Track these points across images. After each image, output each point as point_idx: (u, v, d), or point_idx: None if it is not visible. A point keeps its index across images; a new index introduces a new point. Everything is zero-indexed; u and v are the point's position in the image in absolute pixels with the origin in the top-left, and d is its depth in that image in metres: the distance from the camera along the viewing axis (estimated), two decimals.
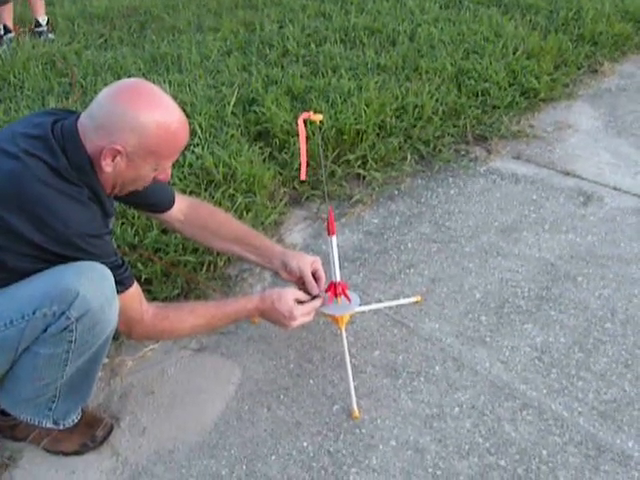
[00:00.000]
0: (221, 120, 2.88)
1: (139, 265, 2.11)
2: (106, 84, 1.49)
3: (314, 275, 1.77)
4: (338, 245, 1.85)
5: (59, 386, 1.48)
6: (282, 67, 3.46)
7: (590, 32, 3.85)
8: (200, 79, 3.32)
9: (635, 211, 2.42)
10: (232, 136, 2.74)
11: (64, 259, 1.32)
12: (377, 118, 2.83)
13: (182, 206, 1.81)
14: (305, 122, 1.69)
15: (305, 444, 1.62)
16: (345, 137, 2.75)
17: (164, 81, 3.29)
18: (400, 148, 2.82)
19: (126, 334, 1.56)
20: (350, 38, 3.86)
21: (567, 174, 2.68)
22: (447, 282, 2.12)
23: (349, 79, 3.17)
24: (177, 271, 2.13)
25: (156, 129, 1.36)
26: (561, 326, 1.91)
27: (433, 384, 1.76)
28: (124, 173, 1.41)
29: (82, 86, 3.40)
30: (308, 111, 1.69)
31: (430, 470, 1.53)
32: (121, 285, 1.42)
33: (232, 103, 2.97)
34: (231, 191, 2.43)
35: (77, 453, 1.63)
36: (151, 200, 1.73)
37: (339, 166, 2.69)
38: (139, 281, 1.54)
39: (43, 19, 4.47)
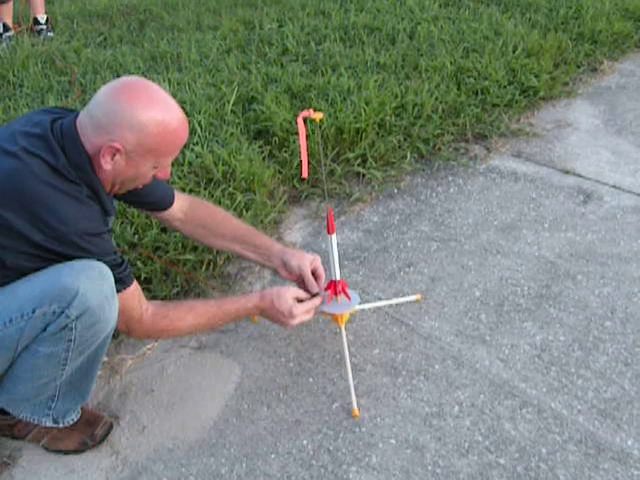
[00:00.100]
0: (221, 118, 2.88)
1: (139, 264, 2.11)
2: (105, 82, 1.49)
3: (314, 273, 1.77)
4: (338, 243, 1.84)
5: (59, 385, 1.48)
6: (282, 65, 3.46)
7: (590, 30, 3.85)
8: (199, 78, 3.32)
9: (635, 209, 2.42)
10: (232, 134, 2.74)
11: (63, 258, 1.32)
12: (377, 116, 2.83)
13: (182, 205, 1.81)
14: (305, 120, 1.69)
15: (305, 442, 1.62)
16: (345, 135, 2.75)
17: (163, 79, 3.29)
18: (400, 146, 2.82)
19: (125, 333, 1.56)
20: (350, 36, 3.85)
21: (567, 172, 2.68)
22: (447, 280, 2.12)
23: (349, 77, 3.17)
24: (177, 270, 2.13)
25: (155, 127, 1.36)
26: (561, 324, 1.91)
27: (433, 382, 1.76)
28: (124, 171, 1.41)
29: (81, 84, 3.40)
30: (308, 109, 1.69)
31: (430, 468, 1.53)
32: (121, 284, 1.42)
33: (232, 101, 2.97)
34: (231, 189, 2.43)
35: (77, 451, 1.63)
36: (151, 199, 1.73)
37: (339, 164, 2.69)
38: (139, 280, 1.54)
39: (42, 17, 4.47)
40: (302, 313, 1.68)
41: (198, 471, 1.57)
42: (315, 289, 1.75)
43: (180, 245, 2.19)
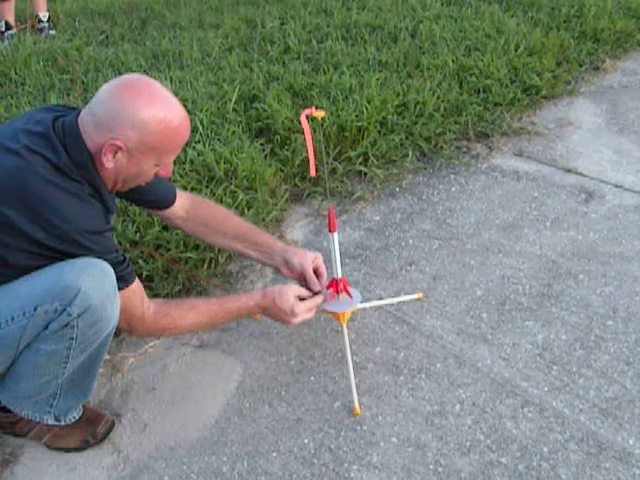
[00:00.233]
0: (222, 117, 2.88)
1: (140, 262, 2.11)
2: (107, 81, 1.49)
3: (315, 272, 1.77)
4: (339, 242, 1.84)
5: (60, 383, 1.48)
6: (283, 64, 3.46)
7: (592, 29, 3.84)
8: (201, 76, 3.32)
9: (637, 208, 2.41)
10: (233, 133, 2.74)
11: (65, 255, 1.32)
12: (378, 115, 2.82)
13: (183, 203, 1.81)
14: (307, 118, 1.69)
15: (306, 441, 1.62)
16: (346, 134, 2.74)
17: (165, 78, 3.29)
18: (401, 145, 2.82)
19: (127, 331, 1.56)
20: (351, 35, 3.85)
21: (569, 171, 2.68)
22: (448, 279, 2.12)
23: (350, 76, 3.16)
24: (178, 268, 2.13)
25: (157, 125, 1.36)
26: (562, 323, 1.91)
27: (434, 381, 1.76)
28: (125, 169, 1.41)
29: (83, 82, 3.40)
30: (310, 107, 1.69)
31: (431, 467, 1.53)
32: (122, 282, 1.42)
33: (233, 100, 2.96)
34: (232, 188, 2.43)
35: (78, 449, 1.63)
36: (153, 197, 1.73)
37: (340, 163, 2.69)
38: (140, 278, 1.54)
39: (44, 15, 4.47)
40: (304, 311, 1.68)
41: (199, 469, 1.57)
42: (317, 287, 1.75)
43: (182, 243, 2.19)
